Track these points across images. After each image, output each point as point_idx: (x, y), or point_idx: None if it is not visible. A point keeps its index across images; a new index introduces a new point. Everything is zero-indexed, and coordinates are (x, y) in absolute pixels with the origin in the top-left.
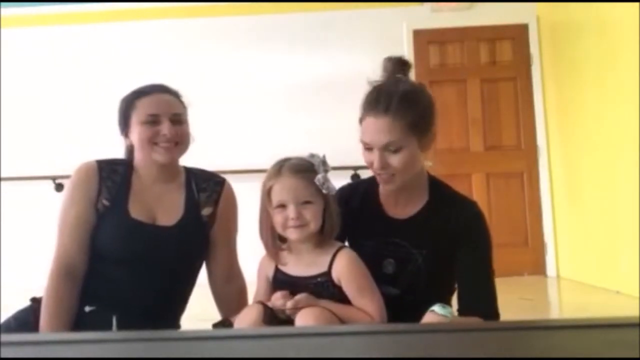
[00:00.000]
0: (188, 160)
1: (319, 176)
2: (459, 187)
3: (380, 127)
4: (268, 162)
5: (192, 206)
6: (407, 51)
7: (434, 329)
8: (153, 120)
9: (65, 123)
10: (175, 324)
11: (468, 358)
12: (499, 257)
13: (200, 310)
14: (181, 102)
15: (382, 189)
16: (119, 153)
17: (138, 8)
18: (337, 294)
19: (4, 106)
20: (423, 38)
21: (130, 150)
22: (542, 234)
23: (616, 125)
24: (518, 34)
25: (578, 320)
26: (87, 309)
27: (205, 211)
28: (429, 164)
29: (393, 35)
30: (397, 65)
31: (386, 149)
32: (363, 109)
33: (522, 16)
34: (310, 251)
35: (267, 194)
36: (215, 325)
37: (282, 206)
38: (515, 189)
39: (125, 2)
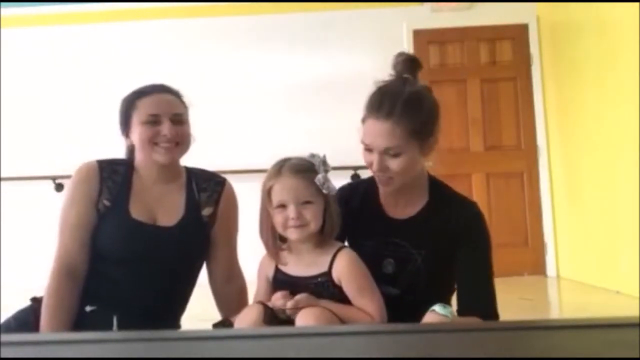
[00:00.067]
0: (188, 160)
1: (320, 176)
2: (459, 187)
3: (381, 131)
4: (268, 162)
5: (192, 206)
6: (407, 51)
7: (433, 329)
8: (154, 121)
9: (65, 123)
10: (176, 324)
11: (468, 358)
12: (499, 257)
13: (200, 310)
14: (182, 102)
15: (382, 190)
16: (119, 153)
17: (138, 8)
18: (337, 294)
19: (4, 106)
20: (423, 38)
21: (131, 150)
22: (542, 234)
23: (616, 125)
24: (518, 34)
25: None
26: (88, 308)
27: (206, 211)
28: (429, 164)
29: (393, 35)
30: (407, 64)
31: (386, 152)
32: (366, 109)
33: (522, 16)
34: (310, 251)
35: (267, 193)
36: (216, 325)
37: (283, 206)
38: (515, 189)
39: (125, 2)
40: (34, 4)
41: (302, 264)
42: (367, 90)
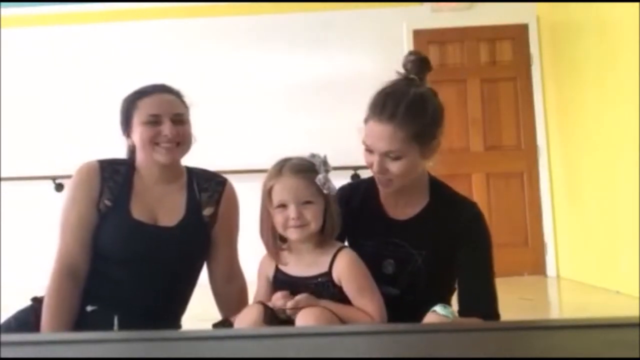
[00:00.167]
0: (188, 160)
1: (320, 176)
2: (459, 187)
3: (382, 134)
4: (268, 162)
5: (193, 207)
6: (407, 51)
7: (433, 329)
8: (154, 121)
9: (65, 123)
10: (176, 324)
11: (468, 358)
12: (499, 257)
13: (201, 310)
14: (183, 102)
15: (382, 190)
16: (119, 153)
17: (138, 8)
18: (337, 294)
19: (4, 106)
20: (423, 38)
21: (132, 150)
22: (542, 234)
23: (616, 125)
24: (518, 34)
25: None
26: (89, 308)
27: (207, 211)
28: (430, 164)
29: (393, 35)
30: (416, 64)
31: (387, 155)
32: (369, 110)
33: (522, 16)
34: (310, 251)
35: (267, 193)
36: (216, 325)
37: (283, 206)
38: (515, 189)
39: (125, 2)
40: (34, 4)
41: (303, 264)
42: (367, 90)
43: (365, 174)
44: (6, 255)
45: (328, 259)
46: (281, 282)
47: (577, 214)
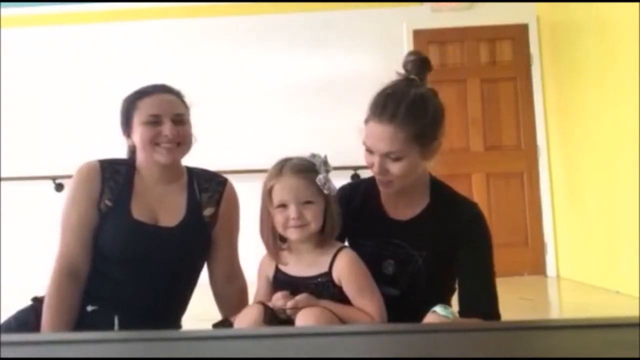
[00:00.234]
0: (188, 160)
1: (320, 176)
2: (459, 187)
3: (382, 135)
4: (268, 162)
5: (194, 207)
6: (407, 51)
7: (433, 329)
8: (155, 121)
9: (65, 123)
10: (177, 324)
11: (468, 358)
12: (499, 257)
13: (201, 310)
14: (183, 102)
15: (383, 191)
16: (119, 153)
17: (138, 8)
18: (337, 294)
19: (4, 106)
20: (423, 38)
21: (132, 150)
22: (542, 234)
23: (616, 125)
24: (518, 34)
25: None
26: (89, 308)
27: (207, 211)
28: (430, 164)
29: (393, 35)
30: (417, 64)
31: (387, 156)
32: (369, 111)
33: (522, 16)
34: (310, 251)
35: (268, 193)
36: (216, 325)
37: (283, 206)
38: (515, 189)
39: (125, 2)
40: (34, 4)
41: (303, 264)
42: (367, 90)
43: (365, 174)
44: (6, 255)
45: (328, 259)
46: (281, 282)
47: (577, 214)
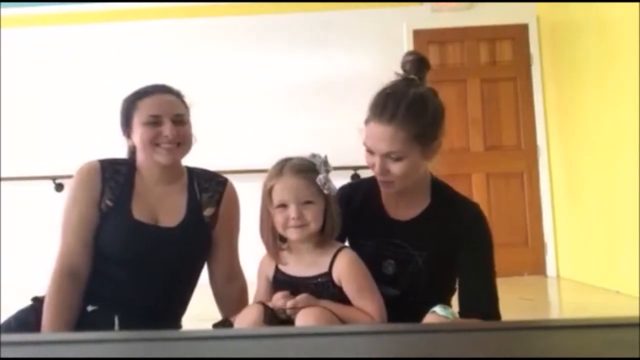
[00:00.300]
0: (189, 160)
1: (320, 176)
2: (459, 187)
3: (383, 136)
4: (268, 162)
5: (194, 207)
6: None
7: (433, 329)
8: (155, 121)
9: (65, 123)
10: (177, 324)
11: (468, 358)
12: (499, 257)
13: (201, 310)
14: (183, 103)
15: (383, 191)
16: (120, 153)
17: (138, 8)
18: (337, 294)
19: (4, 106)
20: (423, 38)
21: (132, 150)
22: (542, 234)
23: (616, 125)
24: (518, 34)
25: (578, 320)
26: (90, 308)
27: (208, 212)
28: (430, 164)
29: (393, 35)
30: (415, 63)
31: (387, 156)
32: (369, 111)
33: (522, 16)
34: (310, 251)
35: (268, 193)
36: (216, 325)
37: (283, 206)
38: (515, 189)
39: (125, 2)
40: (34, 4)
41: (303, 264)
42: (367, 90)
43: (365, 174)
44: (6, 255)
45: (328, 259)
46: (281, 282)
47: (577, 214)
